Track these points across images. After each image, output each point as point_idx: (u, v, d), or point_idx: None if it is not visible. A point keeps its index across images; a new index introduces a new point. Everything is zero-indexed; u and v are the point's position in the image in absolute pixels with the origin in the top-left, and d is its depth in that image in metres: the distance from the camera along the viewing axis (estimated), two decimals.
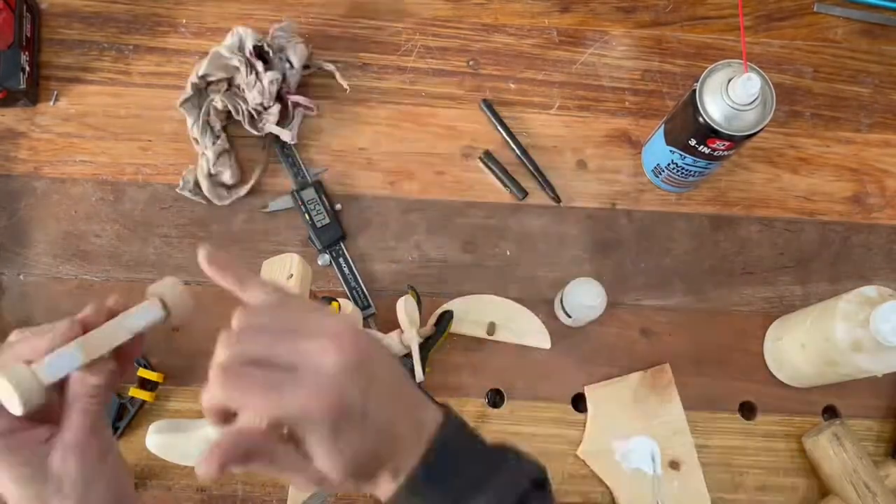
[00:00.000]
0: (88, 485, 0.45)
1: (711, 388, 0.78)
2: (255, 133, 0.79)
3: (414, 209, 0.81)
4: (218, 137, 0.78)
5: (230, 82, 0.79)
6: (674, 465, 0.74)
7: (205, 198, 0.78)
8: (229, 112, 0.78)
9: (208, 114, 0.78)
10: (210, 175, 0.77)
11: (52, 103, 0.82)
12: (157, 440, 0.64)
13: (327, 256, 0.78)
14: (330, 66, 0.83)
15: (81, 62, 0.83)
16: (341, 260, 0.78)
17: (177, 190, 0.78)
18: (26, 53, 0.79)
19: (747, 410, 0.78)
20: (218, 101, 0.77)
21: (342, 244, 0.79)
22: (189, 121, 0.78)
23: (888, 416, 0.78)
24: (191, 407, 0.74)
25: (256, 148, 0.82)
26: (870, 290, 0.67)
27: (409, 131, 0.83)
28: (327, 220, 0.78)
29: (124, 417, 0.73)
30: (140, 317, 0.45)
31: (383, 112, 0.83)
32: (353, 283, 0.78)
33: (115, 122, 0.81)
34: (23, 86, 0.78)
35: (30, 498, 0.44)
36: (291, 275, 0.58)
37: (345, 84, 0.83)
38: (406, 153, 0.82)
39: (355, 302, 0.77)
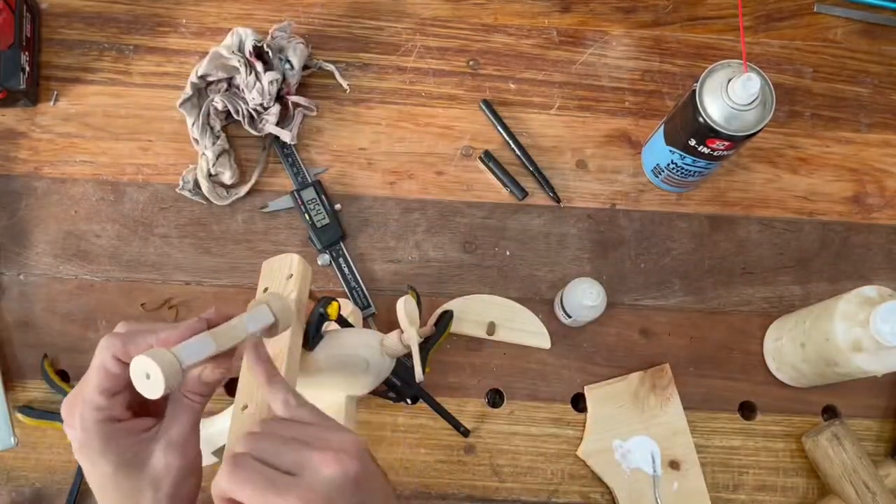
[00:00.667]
0: (183, 481, 0.47)
1: (711, 388, 0.78)
2: (255, 133, 0.79)
3: (413, 209, 0.81)
4: (218, 137, 0.78)
5: (230, 82, 0.79)
6: (674, 465, 0.75)
7: (205, 198, 0.78)
8: (229, 112, 0.78)
9: (208, 114, 0.78)
10: (210, 175, 0.78)
11: (52, 103, 0.82)
12: None
13: (327, 256, 0.78)
14: (330, 66, 0.83)
15: (82, 62, 0.83)
16: (341, 260, 0.78)
17: (177, 190, 0.78)
18: (26, 53, 0.79)
19: (747, 410, 0.78)
20: (218, 102, 0.77)
21: (342, 244, 0.79)
22: (189, 121, 0.78)
23: (888, 416, 0.78)
24: None
25: (256, 148, 0.82)
26: (869, 291, 0.67)
27: (409, 131, 0.83)
28: (327, 220, 0.78)
29: None
30: (256, 320, 0.48)
31: (383, 112, 0.83)
32: (352, 283, 0.78)
33: (115, 122, 0.81)
34: (23, 86, 0.78)
35: (125, 485, 0.45)
36: (291, 275, 0.57)
37: (345, 84, 0.83)
38: (406, 153, 0.82)
39: (355, 302, 0.77)
